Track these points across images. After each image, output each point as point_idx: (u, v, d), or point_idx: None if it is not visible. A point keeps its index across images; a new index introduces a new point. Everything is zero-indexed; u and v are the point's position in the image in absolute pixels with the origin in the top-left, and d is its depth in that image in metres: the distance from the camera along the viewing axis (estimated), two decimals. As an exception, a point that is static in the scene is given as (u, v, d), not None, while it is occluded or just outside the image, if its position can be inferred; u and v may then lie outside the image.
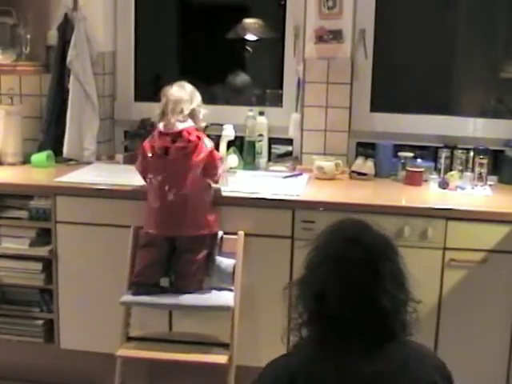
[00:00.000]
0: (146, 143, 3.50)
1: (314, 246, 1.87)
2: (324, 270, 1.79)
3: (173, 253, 3.48)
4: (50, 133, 4.20)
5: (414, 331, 1.88)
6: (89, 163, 4.18)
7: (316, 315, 1.81)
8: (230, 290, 3.50)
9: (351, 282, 1.77)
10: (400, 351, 1.83)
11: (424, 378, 1.80)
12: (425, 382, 1.79)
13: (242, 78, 4.72)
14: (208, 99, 3.76)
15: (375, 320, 1.78)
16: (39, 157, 4.10)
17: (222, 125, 4.01)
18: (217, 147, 3.78)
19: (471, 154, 3.96)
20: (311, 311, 1.82)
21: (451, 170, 3.93)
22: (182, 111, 3.45)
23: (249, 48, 4.87)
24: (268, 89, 4.56)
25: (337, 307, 1.76)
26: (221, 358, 3.41)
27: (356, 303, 1.77)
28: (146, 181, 3.52)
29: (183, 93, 3.50)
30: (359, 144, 4.27)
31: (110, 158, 4.32)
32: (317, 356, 1.80)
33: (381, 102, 4.27)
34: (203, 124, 3.62)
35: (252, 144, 4.19)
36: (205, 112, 3.56)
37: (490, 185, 3.87)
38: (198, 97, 3.55)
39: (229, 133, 3.97)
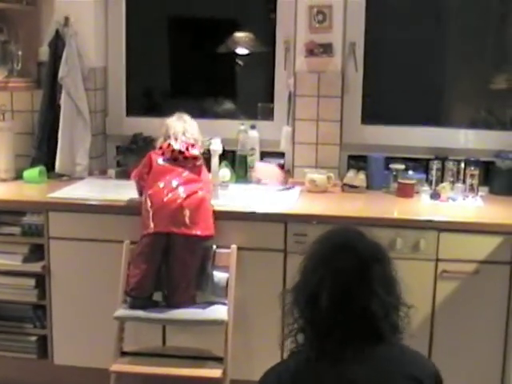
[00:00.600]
0: (153, 153, 3.58)
1: (308, 253, 1.92)
2: (317, 276, 1.85)
3: (166, 264, 3.48)
4: (42, 148, 4.21)
5: (406, 335, 1.93)
6: (81, 178, 4.18)
7: (311, 320, 1.85)
8: (224, 304, 3.50)
9: (343, 286, 1.83)
10: (390, 354, 1.87)
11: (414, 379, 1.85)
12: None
13: (225, 107, 4.74)
14: (199, 113, 3.78)
15: (366, 323, 1.82)
16: (31, 172, 4.11)
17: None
18: (208, 161, 3.79)
19: (462, 165, 3.98)
20: (306, 317, 1.85)
21: (442, 181, 3.95)
22: (184, 134, 3.60)
23: (240, 62, 4.88)
24: (259, 102, 4.57)
25: (329, 312, 1.80)
26: (215, 372, 3.40)
27: (347, 307, 1.82)
28: (141, 191, 3.56)
29: (182, 121, 3.66)
30: (351, 157, 4.28)
31: (103, 173, 4.32)
32: (312, 359, 1.84)
33: (371, 114, 4.29)
34: (201, 151, 3.71)
35: (244, 158, 4.20)
36: (203, 141, 3.75)
37: (481, 196, 3.89)
38: (195, 126, 3.69)
39: (216, 147, 3.97)
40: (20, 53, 4.17)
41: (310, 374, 1.82)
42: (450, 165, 3.98)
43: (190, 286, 3.47)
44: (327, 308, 1.81)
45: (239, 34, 4.76)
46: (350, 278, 1.83)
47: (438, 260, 3.47)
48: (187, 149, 3.55)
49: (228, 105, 4.74)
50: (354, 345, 1.82)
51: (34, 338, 3.85)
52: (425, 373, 1.88)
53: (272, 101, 4.41)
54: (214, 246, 3.55)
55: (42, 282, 3.79)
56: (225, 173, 4.07)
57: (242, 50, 4.78)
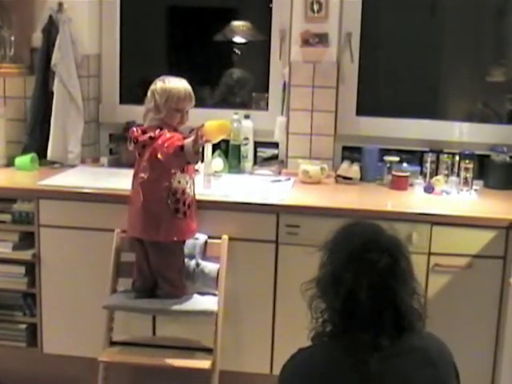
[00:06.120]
0: None
1: (331, 249, 2.00)
2: (350, 272, 1.92)
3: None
4: (34, 135, 4.18)
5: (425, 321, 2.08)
6: (73, 166, 4.15)
7: (349, 313, 1.92)
8: (214, 295, 3.47)
9: (378, 282, 1.91)
10: (420, 342, 2.01)
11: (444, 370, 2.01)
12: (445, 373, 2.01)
13: (238, 74, 4.69)
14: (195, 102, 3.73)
15: (397, 313, 1.93)
16: (23, 160, 4.08)
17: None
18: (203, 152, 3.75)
19: (457, 158, 3.96)
20: (340, 309, 1.93)
21: (437, 174, 3.93)
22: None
23: (237, 50, 4.85)
24: (254, 92, 4.54)
25: (368, 305, 1.89)
26: (204, 363, 3.37)
27: (384, 300, 1.92)
28: None
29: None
30: (345, 148, 4.25)
31: (95, 161, 4.30)
32: (347, 349, 1.91)
33: (367, 105, 4.27)
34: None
35: (237, 147, 4.17)
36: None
37: (476, 189, 3.86)
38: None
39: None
40: (13, 38, 4.14)
41: (344, 363, 1.88)
42: (444, 158, 3.96)
43: (176, 277, 3.43)
44: (366, 302, 1.89)
45: (237, 23, 4.72)
46: (383, 273, 1.91)
47: (430, 254, 3.45)
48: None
49: (238, 73, 4.69)
50: (384, 335, 1.90)
51: (23, 327, 3.83)
52: (443, 359, 2.04)
53: (267, 90, 4.38)
54: (205, 237, 3.53)
55: (31, 269, 3.76)
56: (218, 163, 4.05)
57: (239, 39, 4.74)
